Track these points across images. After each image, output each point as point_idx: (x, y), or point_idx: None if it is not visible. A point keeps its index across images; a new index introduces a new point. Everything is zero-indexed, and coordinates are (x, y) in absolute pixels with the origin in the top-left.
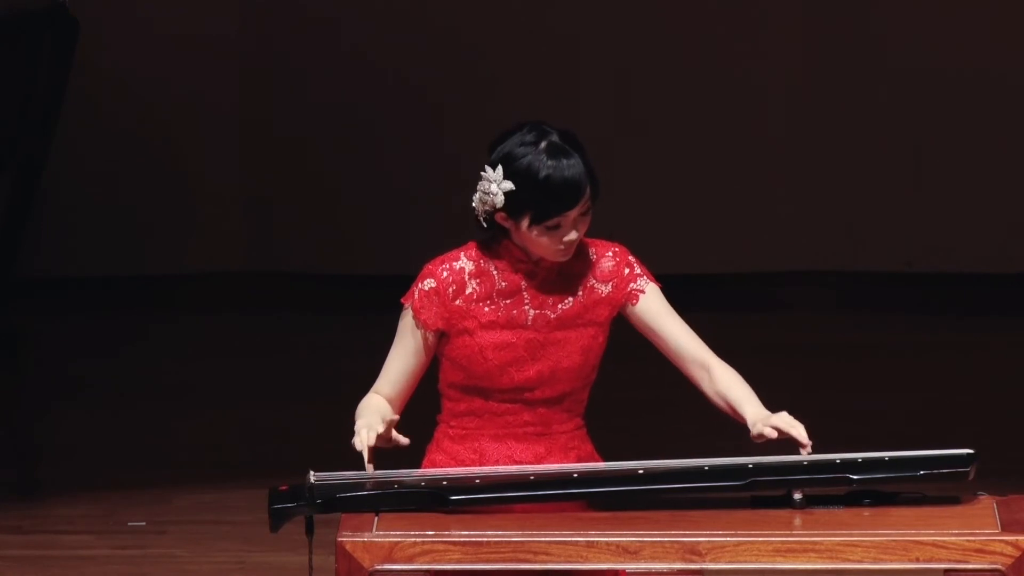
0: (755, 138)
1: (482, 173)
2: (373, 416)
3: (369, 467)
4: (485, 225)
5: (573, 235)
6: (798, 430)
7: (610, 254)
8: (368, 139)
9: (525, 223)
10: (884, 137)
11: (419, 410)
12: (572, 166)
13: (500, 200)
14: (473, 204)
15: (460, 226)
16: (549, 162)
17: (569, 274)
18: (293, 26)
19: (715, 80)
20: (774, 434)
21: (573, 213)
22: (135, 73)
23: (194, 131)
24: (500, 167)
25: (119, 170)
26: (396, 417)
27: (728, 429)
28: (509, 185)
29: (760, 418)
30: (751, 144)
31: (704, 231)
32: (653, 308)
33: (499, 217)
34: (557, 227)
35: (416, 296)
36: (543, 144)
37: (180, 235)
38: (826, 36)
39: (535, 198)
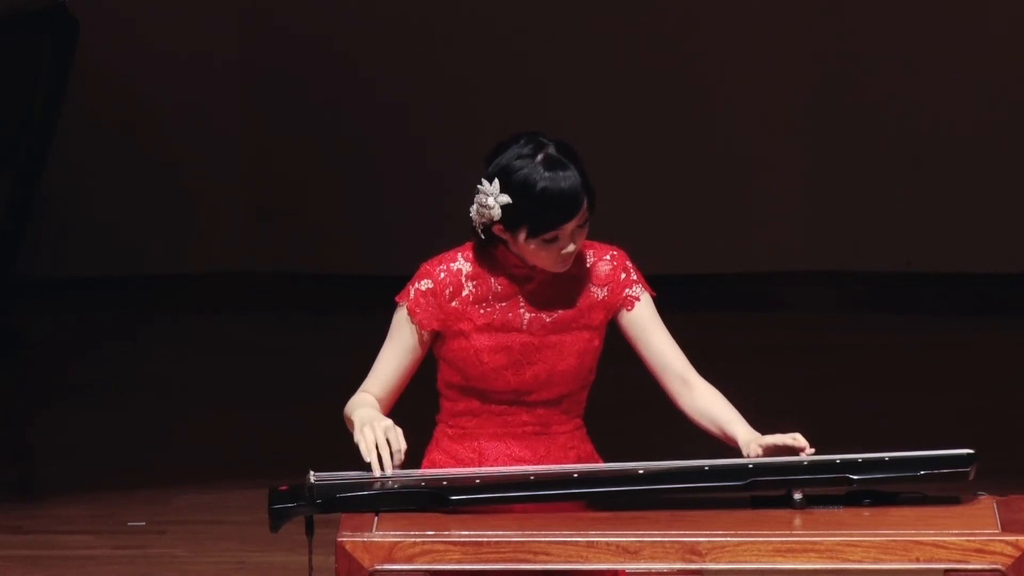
0: (755, 138)
1: (478, 186)
2: (392, 435)
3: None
4: (483, 236)
5: (571, 247)
6: (797, 440)
7: (608, 258)
8: (368, 139)
9: (522, 236)
10: (884, 137)
11: (419, 410)
12: (568, 178)
13: (497, 213)
14: (471, 215)
15: (458, 226)
16: (546, 174)
17: (565, 278)
18: (292, 28)
19: (716, 80)
20: (760, 451)
21: (570, 225)
22: (135, 73)
23: (194, 131)
24: (497, 180)
25: (119, 170)
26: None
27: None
28: (506, 198)
29: (753, 438)
30: (751, 144)
31: (704, 231)
32: (643, 318)
33: (496, 229)
34: (555, 239)
35: (412, 296)
36: (540, 156)
37: (180, 235)
38: (827, 37)
39: (532, 211)
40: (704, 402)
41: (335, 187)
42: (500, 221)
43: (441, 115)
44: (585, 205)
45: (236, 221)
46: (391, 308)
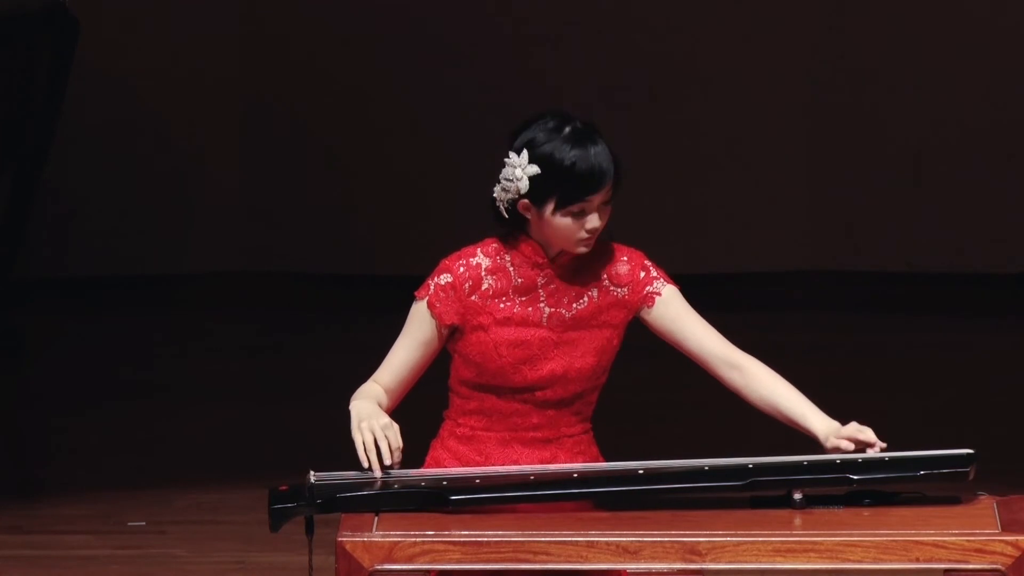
0: (756, 138)
1: (505, 160)
2: (391, 433)
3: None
4: (506, 216)
5: (596, 222)
6: (866, 434)
7: (625, 258)
8: (369, 139)
9: (549, 209)
10: (884, 137)
11: (426, 407)
12: (598, 150)
13: (524, 185)
14: (494, 194)
15: (461, 226)
16: (575, 146)
17: (585, 274)
18: (293, 26)
19: (717, 81)
20: (851, 446)
21: (598, 198)
22: (135, 73)
23: (194, 131)
24: (525, 152)
25: (119, 170)
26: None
27: (728, 429)
28: (535, 169)
29: (832, 431)
30: (752, 144)
31: (704, 231)
32: (672, 310)
33: (521, 205)
34: (581, 213)
35: (432, 290)
36: (567, 129)
37: (180, 235)
38: (827, 38)
39: (561, 181)
40: (764, 389)
41: (335, 187)
42: (527, 195)
43: (443, 116)
44: (612, 179)
45: (236, 221)
46: (391, 309)
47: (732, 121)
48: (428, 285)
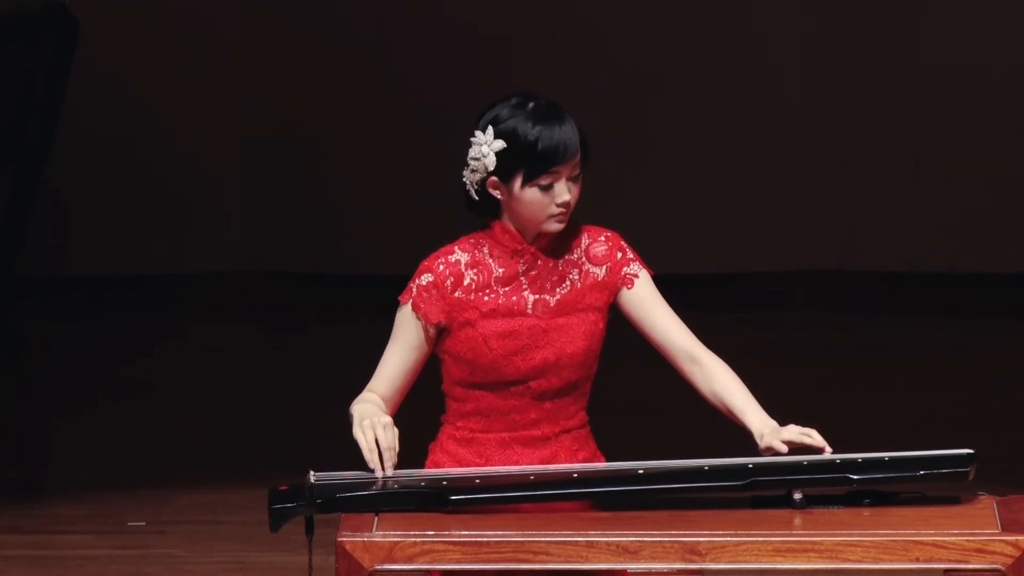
0: (755, 138)
1: (471, 139)
2: (389, 436)
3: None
4: (476, 198)
5: (566, 196)
6: (812, 437)
7: (603, 239)
8: (369, 139)
9: (518, 184)
10: (885, 137)
11: (424, 410)
12: (562, 123)
13: (491, 161)
14: (463, 178)
15: (461, 226)
16: (539, 119)
17: (564, 258)
18: (292, 25)
19: (716, 81)
20: (785, 448)
21: (565, 170)
22: (134, 73)
23: (194, 131)
24: (490, 128)
25: (119, 170)
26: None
27: (727, 430)
28: (500, 144)
29: (768, 430)
30: (751, 144)
31: (704, 231)
32: (642, 295)
33: (491, 184)
34: (550, 185)
35: (414, 292)
36: (531, 105)
37: (180, 235)
38: (826, 37)
39: (527, 154)
40: (717, 384)
41: (335, 187)
42: (495, 172)
43: (445, 115)
44: (579, 152)
45: (236, 221)
46: (391, 309)
47: (732, 121)
48: (410, 288)
